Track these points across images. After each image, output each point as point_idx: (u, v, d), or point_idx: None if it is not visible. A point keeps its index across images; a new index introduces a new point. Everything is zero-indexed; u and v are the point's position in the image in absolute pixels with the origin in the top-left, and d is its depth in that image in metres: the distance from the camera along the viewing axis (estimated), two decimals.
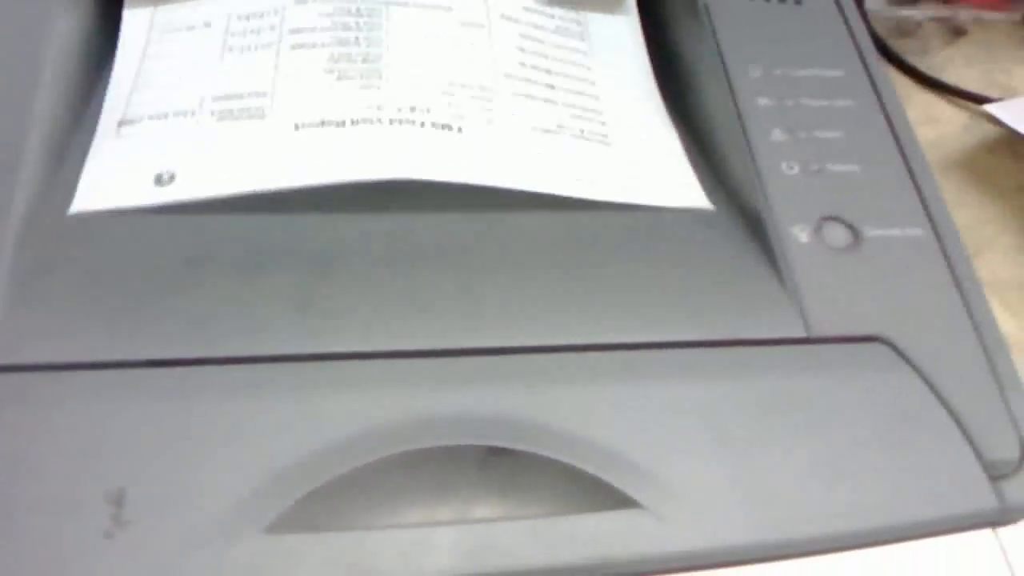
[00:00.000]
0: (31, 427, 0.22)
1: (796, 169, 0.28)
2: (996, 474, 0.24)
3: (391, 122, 0.28)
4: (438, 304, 0.25)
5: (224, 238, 0.26)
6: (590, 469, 0.22)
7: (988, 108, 0.53)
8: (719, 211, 0.28)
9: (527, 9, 0.34)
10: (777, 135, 0.29)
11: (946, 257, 0.27)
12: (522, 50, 0.32)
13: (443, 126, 0.29)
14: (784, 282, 0.26)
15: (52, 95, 0.28)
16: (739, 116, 0.29)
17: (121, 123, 0.29)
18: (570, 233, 0.27)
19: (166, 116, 0.29)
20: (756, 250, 0.27)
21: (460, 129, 0.29)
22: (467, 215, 0.27)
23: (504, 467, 0.23)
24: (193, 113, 0.29)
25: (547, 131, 0.30)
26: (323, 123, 0.28)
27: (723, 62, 0.30)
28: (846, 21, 0.32)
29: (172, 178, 0.27)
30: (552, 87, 0.32)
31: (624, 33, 0.34)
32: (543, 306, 0.25)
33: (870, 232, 0.27)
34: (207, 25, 0.32)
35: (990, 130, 0.55)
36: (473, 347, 0.24)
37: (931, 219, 0.28)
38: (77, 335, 0.24)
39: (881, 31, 0.61)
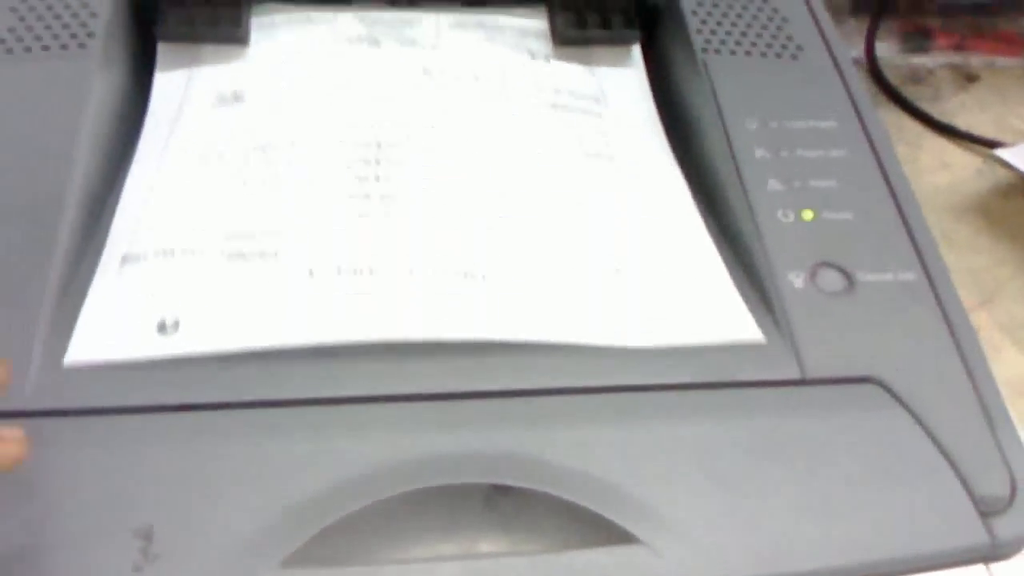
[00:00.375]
0: (67, 467, 0.24)
1: (791, 217, 0.29)
2: (987, 510, 0.24)
3: (411, 271, 0.27)
4: (444, 349, 0.26)
5: None
6: (591, 506, 0.23)
7: (999, 153, 0.54)
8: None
9: (556, 106, 0.33)
10: (773, 185, 0.30)
11: (938, 300, 0.28)
12: (550, 165, 0.31)
13: (466, 274, 0.27)
14: (780, 326, 0.27)
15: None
16: (736, 167, 0.30)
17: (125, 259, 0.28)
18: None
19: (173, 253, 0.27)
20: (753, 295, 0.28)
21: (484, 276, 0.27)
22: None
23: (508, 503, 0.24)
24: (203, 251, 0.27)
25: (578, 270, 0.28)
26: (339, 270, 0.27)
27: (721, 116, 0.32)
28: (841, 74, 0.33)
29: (176, 326, 0.26)
30: (581, 204, 0.30)
31: (652, 142, 0.33)
32: (545, 350, 0.26)
33: (863, 277, 0.28)
34: (221, 157, 0.30)
35: (1003, 175, 0.56)
36: (478, 390, 0.25)
37: (923, 263, 0.29)
38: (110, 382, 0.25)
39: (893, 78, 0.63)
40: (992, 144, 0.58)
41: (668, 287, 0.28)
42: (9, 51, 0.31)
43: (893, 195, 0.30)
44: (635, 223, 0.30)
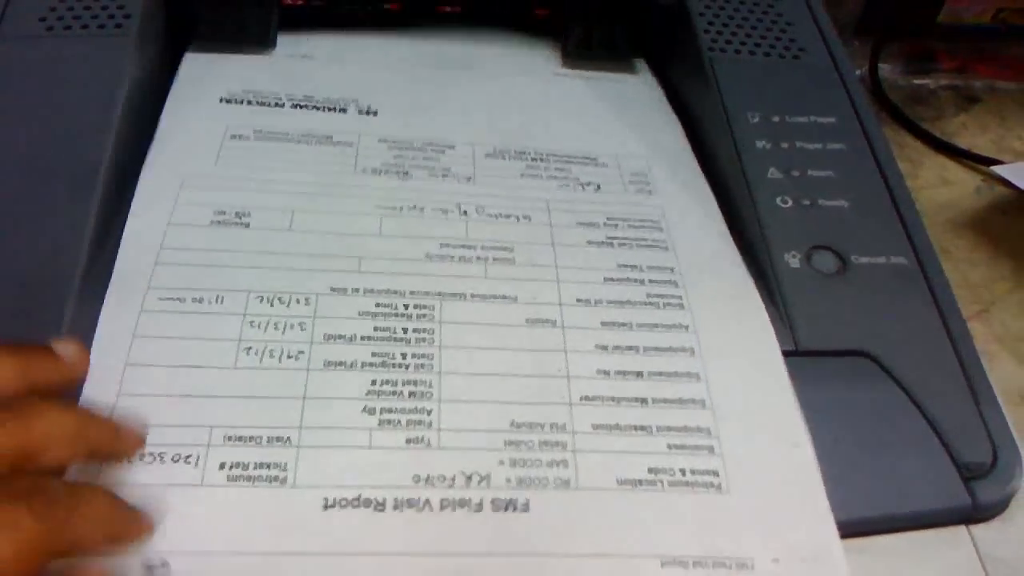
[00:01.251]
0: None
1: (790, 203, 0.31)
2: (970, 475, 0.25)
3: (442, 506, 0.23)
4: None
5: None
6: None
7: (998, 169, 0.55)
8: (719, 238, 0.31)
9: (609, 279, 0.29)
10: (773, 173, 0.32)
11: (928, 282, 0.29)
12: (604, 350, 0.27)
13: (506, 504, 0.23)
14: (776, 302, 0.29)
15: None
16: (739, 156, 0.32)
17: None
18: None
19: (162, 459, 0.23)
20: (752, 274, 0.30)
21: (527, 506, 0.23)
22: None
23: None
24: (196, 461, 0.23)
25: (638, 484, 0.24)
26: (359, 501, 0.23)
27: (725, 110, 0.33)
28: (840, 74, 0.35)
29: (165, 567, 0.21)
30: (644, 402, 0.26)
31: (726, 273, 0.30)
32: None
33: (857, 260, 0.30)
34: (219, 302, 0.26)
35: (1002, 192, 0.57)
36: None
37: (915, 249, 0.30)
38: None
39: (896, 98, 0.64)
40: (992, 162, 0.59)
41: (749, 503, 0.24)
42: (50, 28, 0.33)
43: (887, 186, 0.32)
44: (714, 393, 0.26)
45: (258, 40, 0.36)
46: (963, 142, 0.62)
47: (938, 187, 0.60)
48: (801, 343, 0.28)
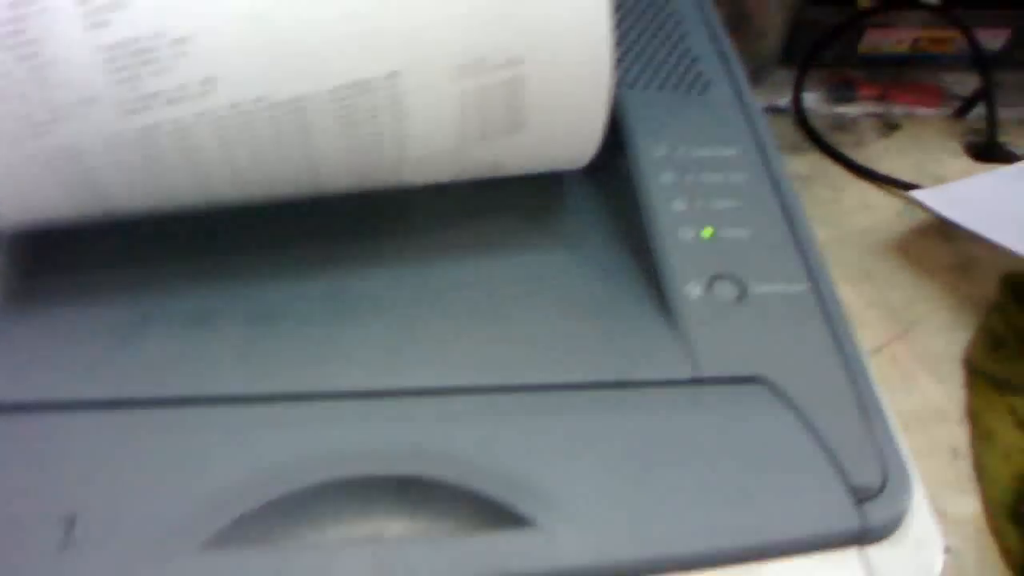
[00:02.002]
0: None
1: (692, 234, 0.32)
2: (861, 498, 0.26)
3: None
4: (361, 351, 0.28)
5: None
6: (492, 494, 0.25)
7: (914, 194, 0.57)
8: (623, 270, 0.32)
9: None
10: (678, 205, 0.33)
11: (823, 309, 0.30)
12: None
13: None
14: (677, 331, 0.30)
15: None
16: (645, 189, 0.33)
17: None
18: (489, 283, 0.30)
19: None
20: (654, 303, 0.30)
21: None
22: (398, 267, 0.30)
23: (415, 494, 0.25)
24: None
25: None
26: None
27: (633, 144, 0.34)
28: (744, 107, 0.36)
29: None
30: None
31: None
32: (455, 350, 0.28)
33: (756, 288, 0.31)
34: None
35: (922, 216, 0.59)
36: (389, 388, 0.27)
37: (811, 276, 0.31)
38: (38, 376, 0.27)
39: (819, 126, 0.66)
40: (912, 187, 0.61)
41: None
42: None
43: (786, 215, 0.33)
44: None
45: None
46: (884, 167, 0.64)
47: (861, 212, 0.62)
48: (700, 372, 0.28)
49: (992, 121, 0.66)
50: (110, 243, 0.31)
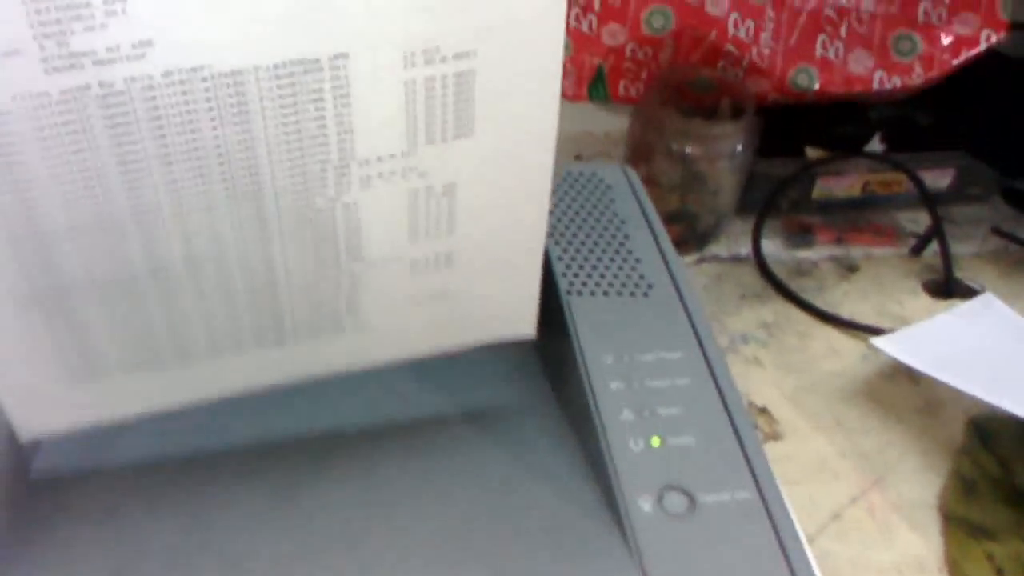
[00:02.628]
0: None
1: (641, 445, 0.33)
2: None
3: None
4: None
5: None
6: None
7: (876, 342, 0.59)
8: (576, 483, 0.33)
9: None
10: (626, 415, 0.34)
11: (769, 515, 0.32)
12: None
13: None
14: (630, 549, 0.31)
15: None
16: (594, 400, 0.35)
17: None
18: (441, 494, 0.32)
19: None
20: (607, 519, 0.32)
21: None
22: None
23: None
24: None
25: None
26: None
27: (582, 353, 0.36)
28: (686, 308, 0.38)
29: None
30: None
31: None
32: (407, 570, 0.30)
33: (704, 498, 0.32)
34: None
35: (887, 359, 0.61)
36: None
37: (757, 483, 0.33)
38: None
39: (781, 272, 0.69)
40: (874, 331, 0.63)
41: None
42: None
43: (731, 419, 0.34)
44: None
45: None
46: (847, 311, 0.66)
47: (828, 357, 0.64)
48: None
49: (947, 259, 0.69)
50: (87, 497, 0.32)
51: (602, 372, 0.36)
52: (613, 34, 0.67)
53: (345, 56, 0.26)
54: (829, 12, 0.66)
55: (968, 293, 0.68)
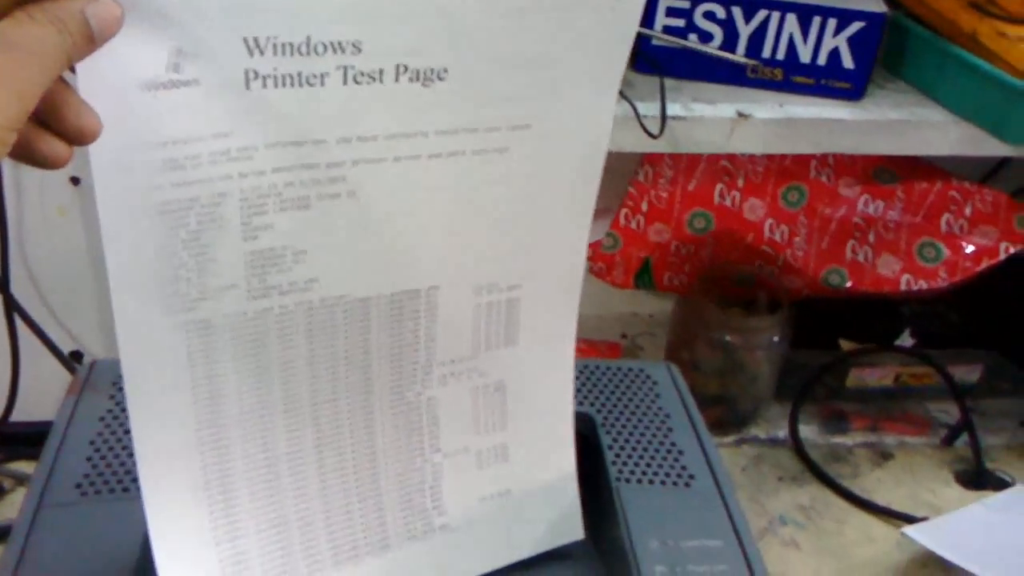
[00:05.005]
0: None
1: None
2: None
3: None
4: None
5: None
6: None
7: (908, 531, 0.62)
8: None
9: None
10: None
11: None
12: None
13: None
14: None
15: None
16: None
17: None
18: None
19: None
20: None
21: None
22: None
23: None
24: None
25: None
26: None
27: (630, 537, 0.41)
28: (723, 498, 0.43)
29: None
30: None
31: None
32: None
33: None
34: None
35: (919, 547, 0.64)
36: None
37: None
38: None
39: (817, 456, 0.73)
40: (907, 518, 0.66)
41: None
42: (84, 494, 0.41)
43: None
44: None
45: None
46: (881, 498, 0.69)
47: (863, 544, 0.66)
48: None
49: (977, 451, 0.72)
50: None
51: (648, 556, 0.40)
52: (659, 232, 0.74)
53: (437, 288, 0.37)
54: (858, 220, 0.73)
55: (999, 484, 0.70)
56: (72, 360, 0.68)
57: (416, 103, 0.33)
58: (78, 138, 0.27)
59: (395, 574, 0.39)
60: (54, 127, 0.27)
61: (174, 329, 0.33)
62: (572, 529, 0.43)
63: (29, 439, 0.63)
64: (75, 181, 0.63)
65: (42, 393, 0.63)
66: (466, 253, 0.37)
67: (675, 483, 0.44)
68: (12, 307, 0.64)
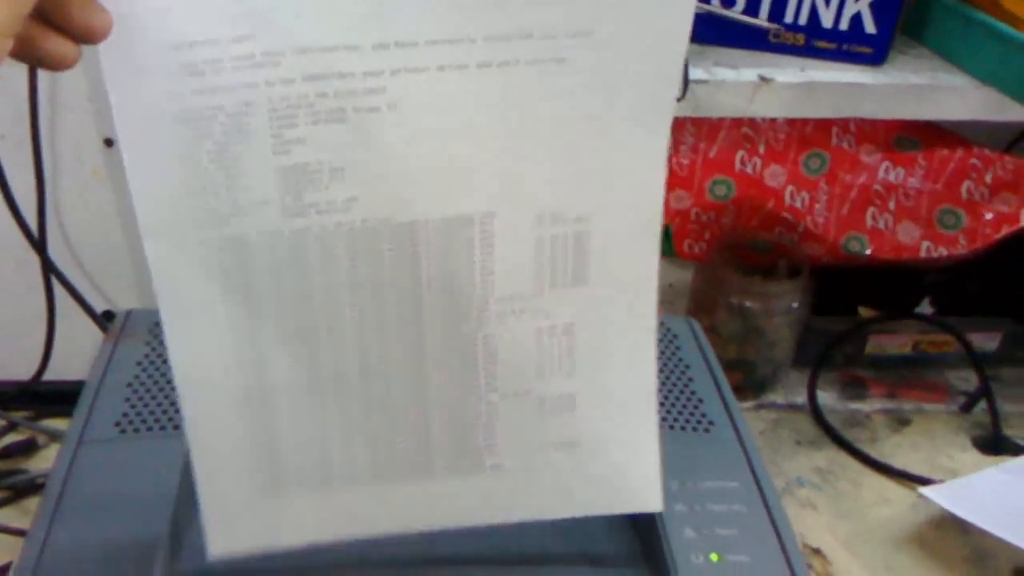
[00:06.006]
0: None
1: (702, 559, 0.39)
2: None
3: None
4: None
5: None
6: None
7: (925, 492, 0.63)
8: None
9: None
10: (689, 533, 0.40)
11: None
12: None
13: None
14: None
15: None
16: (661, 518, 0.40)
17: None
18: None
19: None
20: None
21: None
22: None
23: None
24: None
25: None
26: None
27: None
28: (742, 444, 0.44)
29: None
30: None
31: None
32: None
33: None
34: None
35: (935, 508, 0.64)
36: None
37: None
38: None
39: (835, 422, 0.73)
40: (924, 481, 0.67)
41: None
42: (123, 431, 0.43)
43: (780, 542, 0.39)
44: None
45: None
46: (898, 462, 0.70)
47: (879, 505, 0.67)
48: None
49: (995, 417, 0.72)
50: None
51: (670, 494, 0.41)
52: (680, 199, 0.75)
53: (492, 215, 0.34)
54: (878, 187, 0.73)
55: (1017, 450, 0.71)
56: (105, 320, 0.70)
57: (461, 2, 0.30)
58: (86, 36, 0.26)
59: (438, 502, 0.38)
60: (60, 25, 0.25)
61: (206, 244, 0.32)
62: (648, 499, 0.39)
63: (63, 396, 0.64)
64: (108, 143, 0.65)
65: (75, 353, 0.65)
66: (524, 178, 0.34)
67: (695, 429, 0.45)
68: (49, 269, 0.65)
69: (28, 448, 0.67)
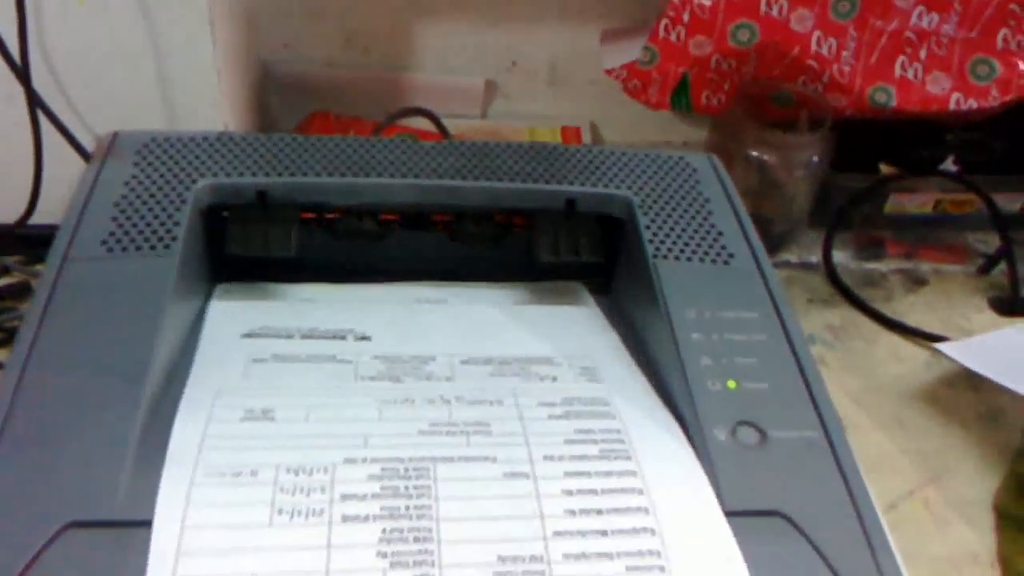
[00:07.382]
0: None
1: (719, 386, 0.37)
2: None
3: None
4: None
5: None
6: None
7: (940, 347, 0.61)
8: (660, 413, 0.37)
9: (569, 441, 0.35)
10: (705, 360, 0.38)
11: (833, 452, 0.35)
12: (569, 494, 0.33)
13: None
14: (705, 470, 0.34)
15: None
16: (676, 346, 0.38)
17: None
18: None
19: None
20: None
21: None
22: None
23: None
24: None
25: None
26: None
27: (666, 307, 0.40)
28: (763, 276, 0.42)
29: None
30: (605, 534, 0.32)
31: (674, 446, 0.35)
32: None
33: (775, 433, 0.35)
34: (254, 474, 0.32)
35: (949, 367, 0.63)
36: None
37: (823, 424, 0.36)
38: None
39: (850, 282, 0.71)
40: (938, 339, 0.65)
41: None
42: (110, 250, 0.40)
43: (801, 371, 0.38)
44: (663, 527, 0.32)
45: (281, 248, 0.44)
46: (913, 321, 0.68)
47: (891, 363, 0.66)
48: (725, 505, 0.33)
49: (1014, 278, 0.70)
50: None
51: (685, 323, 0.39)
52: (700, 45, 0.71)
53: None
54: (910, 35, 0.69)
55: None
56: None
57: None
58: None
59: None
60: None
61: None
62: None
63: (51, 241, 0.62)
64: None
65: (63, 196, 0.62)
66: None
67: (713, 261, 0.42)
68: (34, 102, 0.62)
69: (22, 292, 0.65)
